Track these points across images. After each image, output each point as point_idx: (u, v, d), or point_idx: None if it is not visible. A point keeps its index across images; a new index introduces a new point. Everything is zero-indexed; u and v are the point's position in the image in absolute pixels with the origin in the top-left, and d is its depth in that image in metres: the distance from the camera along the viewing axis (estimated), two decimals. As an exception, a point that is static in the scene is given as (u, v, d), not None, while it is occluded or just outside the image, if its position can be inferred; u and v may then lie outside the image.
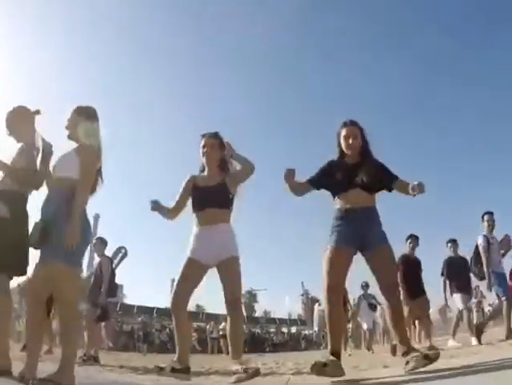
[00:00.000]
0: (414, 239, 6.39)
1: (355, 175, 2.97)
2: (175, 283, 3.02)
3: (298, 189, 3.13)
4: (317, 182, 3.11)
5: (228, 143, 3.15)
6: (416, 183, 2.81)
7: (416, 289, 6.05)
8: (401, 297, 5.75)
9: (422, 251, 6.52)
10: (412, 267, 6.19)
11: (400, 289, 5.81)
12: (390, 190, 3.07)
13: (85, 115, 2.75)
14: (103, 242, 6.47)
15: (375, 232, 2.95)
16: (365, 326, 10.38)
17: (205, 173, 3.23)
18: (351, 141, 3.02)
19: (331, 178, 3.04)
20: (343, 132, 3.06)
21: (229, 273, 2.99)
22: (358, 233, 2.88)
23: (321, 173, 3.10)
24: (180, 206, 3.22)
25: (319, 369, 2.64)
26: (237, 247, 3.09)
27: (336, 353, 2.78)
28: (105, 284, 5.99)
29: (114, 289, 6.59)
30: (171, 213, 3.23)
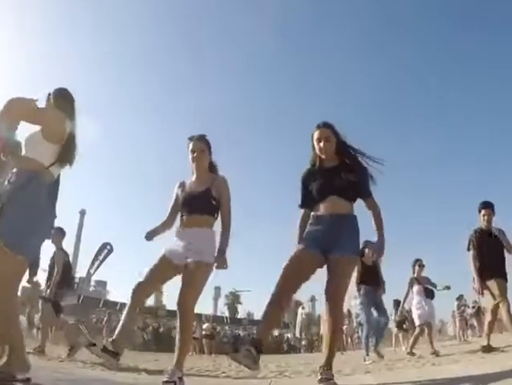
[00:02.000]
0: (489, 206, 5.41)
1: (331, 180, 2.89)
2: (144, 275, 2.99)
3: (306, 224, 3.00)
4: (308, 200, 3.00)
5: None
6: (375, 249, 3.10)
7: (492, 269, 5.12)
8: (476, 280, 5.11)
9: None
10: (488, 242, 5.26)
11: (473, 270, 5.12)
12: (361, 198, 3.00)
13: (60, 98, 2.67)
14: (61, 233, 6.22)
15: (345, 240, 2.78)
16: (418, 321, 7.07)
17: (194, 178, 3.21)
18: (322, 144, 2.94)
19: (311, 187, 2.97)
20: (316, 135, 2.98)
21: (193, 276, 2.88)
22: (326, 238, 2.79)
23: (305, 188, 3.02)
24: (173, 217, 3.21)
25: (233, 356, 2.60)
26: (213, 254, 2.98)
27: (259, 342, 2.67)
28: (56, 278, 5.88)
29: (70, 282, 6.58)
30: (166, 226, 3.21)
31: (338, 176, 2.88)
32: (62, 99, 2.69)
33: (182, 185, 3.22)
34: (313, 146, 3.02)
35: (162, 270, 3.01)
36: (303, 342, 23.71)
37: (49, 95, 2.71)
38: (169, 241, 3.09)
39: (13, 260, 2.33)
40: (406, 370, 3.74)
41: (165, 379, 2.61)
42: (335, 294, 2.70)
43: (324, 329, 2.83)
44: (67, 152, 2.58)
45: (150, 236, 3.16)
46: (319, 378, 2.57)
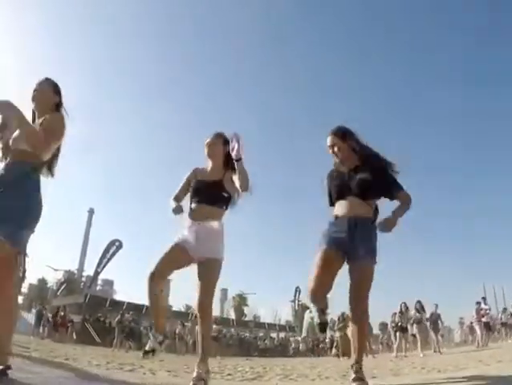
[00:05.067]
0: None
1: (350, 182, 2.90)
2: (157, 260, 2.93)
3: None
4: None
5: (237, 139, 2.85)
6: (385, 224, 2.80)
7: None
8: None
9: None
10: None
11: None
12: (391, 199, 2.92)
13: (55, 89, 2.64)
14: None
15: (364, 244, 2.79)
16: None
17: (208, 167, 3.22)
18: (334, 149, 3.00)
19: (330, 187, 3.04)
20: (327, 142, 3.06)
21: (208, 275, 2.93)
22: (346, 242, 2.79)
23: (328, 188, 3.09)
24: (180, 198, 3.20)
25: None
26: (223, 249, 3.02)
27: None
28: None
29: None
30: (180, 199, 3.19)
31: (355, 177, 2.89)
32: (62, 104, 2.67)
33: (195, 172, 3.23)
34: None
35: (176, 256, 2.97)
36: (310, 346, 23.62)
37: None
38: (181, 231, 3.04)
39: (8, 251, 2.23)
40: (412, 377, 3.70)
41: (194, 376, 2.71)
42: (362, 297, 2.78)
43: (353, 332, 2.85)
44: (58, 154, 2.56)
45: (177, 211, 3.06)
46: (353, 376, 2.61)
